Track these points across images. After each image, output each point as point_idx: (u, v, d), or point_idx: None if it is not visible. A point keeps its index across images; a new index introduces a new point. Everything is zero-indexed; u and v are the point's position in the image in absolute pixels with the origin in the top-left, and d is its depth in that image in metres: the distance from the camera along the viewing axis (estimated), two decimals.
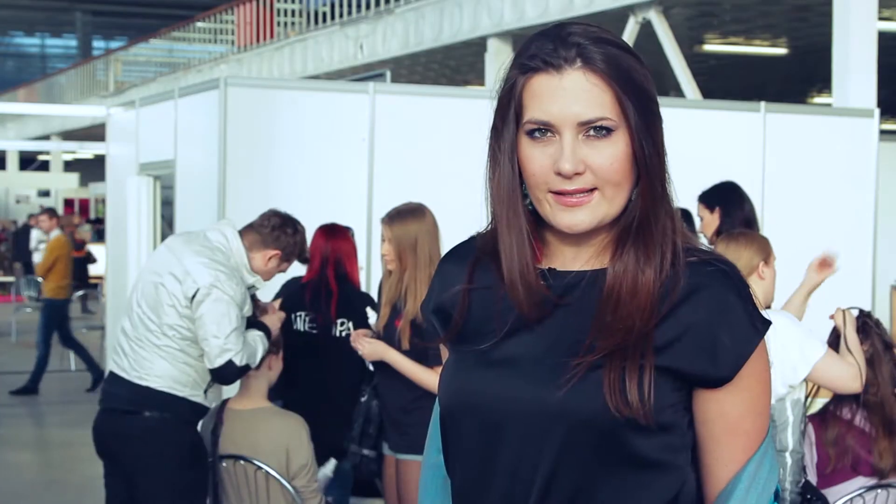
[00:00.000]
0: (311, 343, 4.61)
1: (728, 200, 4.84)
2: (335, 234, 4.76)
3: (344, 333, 4.62)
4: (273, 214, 4.33)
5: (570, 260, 1.55)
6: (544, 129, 1.47)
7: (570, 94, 1.46)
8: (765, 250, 3.84)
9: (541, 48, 1.48)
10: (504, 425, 1.49)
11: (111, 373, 4.22)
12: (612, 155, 1.46)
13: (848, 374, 3.77)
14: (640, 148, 1.47)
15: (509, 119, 1.51)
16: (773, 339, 3.67)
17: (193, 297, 4.01)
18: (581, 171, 1.46)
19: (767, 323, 1.50)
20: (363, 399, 4.34)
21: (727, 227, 4.65)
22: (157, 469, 4.06)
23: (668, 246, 1.49)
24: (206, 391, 4.15)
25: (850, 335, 3.86)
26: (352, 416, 4.42)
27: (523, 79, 1.49)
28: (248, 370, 4.11)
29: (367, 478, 4.48)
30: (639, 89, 1.48)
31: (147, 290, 4.12)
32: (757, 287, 3.79)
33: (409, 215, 4.08)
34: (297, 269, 4.90)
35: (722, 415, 1.49)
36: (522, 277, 1.52)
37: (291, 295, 4.75)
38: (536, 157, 1.48)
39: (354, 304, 4.68)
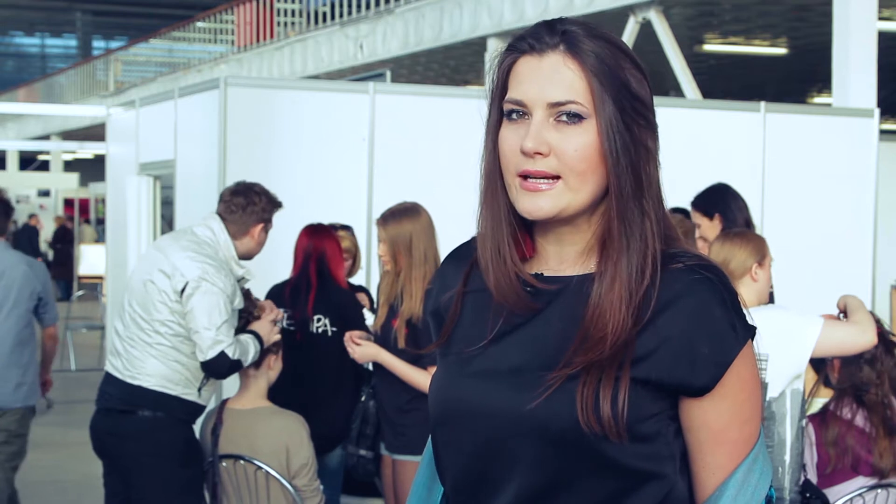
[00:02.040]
0: (290, 340, 4.61)
1: (726, 205, 4.81)
2: (319, 233, 4.75)
3: (320, 330, 4.62)
4: (231, 196, 4.31)
5: (556, 263, 1.54)
6: (520, 112, 1.48)
7: (546, 76, 1.47)
8: (760, 252, 3.81)
9: (531, 33, 1.50)
10: (485, 435, 1.49)
11: (106, 373, 4.24)
12: (578, 142, 1.45)
13: (854, 330, 3.69)
14: (609, 141, 1.45)
15: (494, 102, 1.53)
16: (765, 333, 3.62)
17: (183, 290, 4.02)
18: (544, 152, 1.45)
19: (751, 329, 1.47)
20: (362, 399, 4.35)
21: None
22: (151, 468, 4.06)
23: (648, 250, 1.47)
24: (199, 389, 4.15)
25: (853, 304, 3.82)
26: (335, 411, 4.42)
27: (509, 60, 1.51)
28: (240, 367, 4.10)
29: (365, 478, 4.48)
30: (620, 84, 1.47)
31: (137, 289, 4.14)
32: (750, 289, 3.76)
33: (403, 215, 4.08)
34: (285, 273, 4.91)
35: (706, 423, 1.47)
36: (496, 257, 1.52)
37: (274, 293, 4.75)
38: (508, 138, 1.49)
39: (334, 300, 4.65)
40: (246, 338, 4.14)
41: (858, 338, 3.70)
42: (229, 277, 4.11)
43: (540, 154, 1.45)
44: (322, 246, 4.71)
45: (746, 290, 3.75)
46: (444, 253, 4.05)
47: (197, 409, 4.20)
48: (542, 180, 1.46)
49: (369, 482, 4.66)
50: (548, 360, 1.46)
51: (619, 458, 1.43)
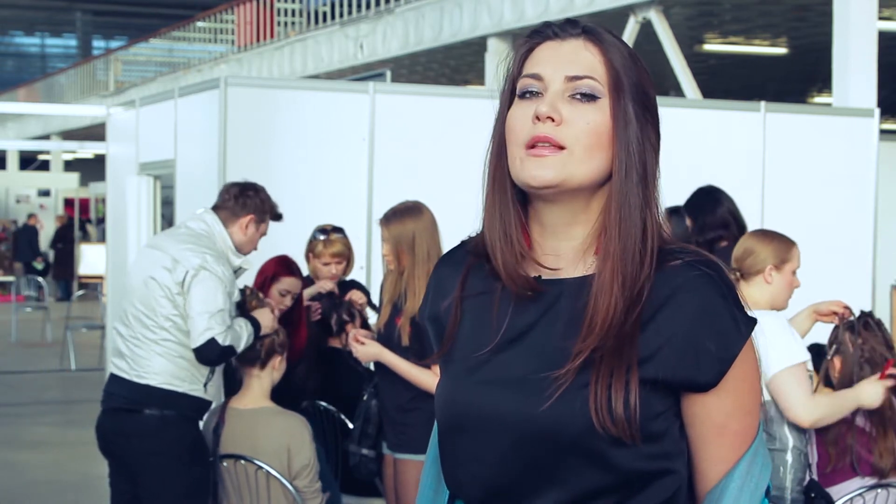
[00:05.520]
0: None
1: (698, 208, 4.80)
2: (273, 262, 4.74)
3: None
4: (230, 186, 4.39)
5: (552, 261, 1.53)
6: (534, 90, 1.50)
7: (566, 54, 1.50)
8: (779, 256, 3.78)
9: (554, 23, 1.54)
10: (500, 444, 1.48)
11: (111, 374, 4.25)
12: (591, 118, 1.48)
13: (801, 402, 3.61)
14: (621, 125, 1.48)
15: (507, 85, 1.55)
16: (759, 336, 3.61)
17: (184, 280, 4.05)
18: (556, 119, 1.47)
19: (752, 322, 1.48)
20: (364, 398, 4.35)
21: (696, 235, 4.65)
22: (159, 467, 4.07)
23: (645, 240, 1.48)
24: (205, 385, 4.16)
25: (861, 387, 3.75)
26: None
27: (529, 45, 1.54)
28: (233, 353, 4.11)
29: (366, 478, 4.47)
30: (635, 78, 1.50)
31: (137, 288, 4.15)
32: (762, 290, 3.75)
33: (405, 214, 4.08)
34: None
35: (709, 417, 1.48)
36: (504, 238, 1.52)
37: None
38: (520, 114, 1.50)
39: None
40: (239, 322, 4.15)
41: (798, 411, 3.61)
42: (227, 268, 4.15)
43: (551, 119, 1.47)
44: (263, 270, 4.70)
45: (758, 290, 3.74)
46: None
47: (204, 405, 4.20)
48: (546, 147, 1.47)
49: (370, 482, 4.65)
50: (554, 362, 1.46)
51: (632, 459, 1.44)
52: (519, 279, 1.51)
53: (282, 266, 4.75)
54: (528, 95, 1.50)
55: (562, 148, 1.47)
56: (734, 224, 4.93)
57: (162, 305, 4.09)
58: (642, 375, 1.44)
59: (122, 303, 4.28)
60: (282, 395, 4.44)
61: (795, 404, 3.63)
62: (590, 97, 1.48)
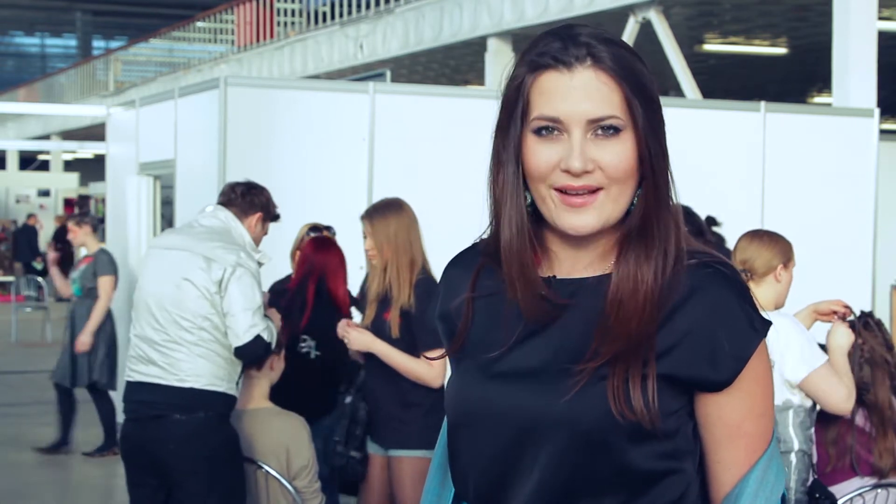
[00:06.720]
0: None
1: None
2: (323, 248, 4.74)
3: (304, 350, 4.63)
4: (235, 185, 4.36)
5: (570, 266, 1.54)
6: (552, 127, 1.46)
7: (581, 92, 1.46)
8: (786, 254, 3.82)
9: (550, 46, 1.48)
10: (511, 437, 1.49)
11: (137, 383, 4.08)
12: (620, 153, 1.46)
13: (842, 393, 3.70)
14: (646, 149, 1.47)
15: (516, 116, 1.49)
16: (774, 339, 3.62)
17: (222, 278, 4.00)
18: (590, 169, 1.45)
19: (767, 324, 1.49)
20: (347, 400, 4.29)
21: None
22: (206, 470, 3.99)
23: (670, 248, 1.48)
24: (237, 382, 4.13)
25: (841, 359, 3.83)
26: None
27: (532, 76, 1.49)
28: (270, 353, 4.11)
29: (354, 479, 4.43)
30: (645, 91, 1.48)
31: (169, 293, 4.04)
32: (771, 289, 3.78)
33: (386, 209, 4.11)
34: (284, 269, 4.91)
35: (721, 418, 1.48)
36: (522, 274, 1.51)
37: (274, 294, 4.72)
38: (543, 153, 1.47)
39: (324, 323, 4.56)
40: (270, 323, 4.14)
41: (842, 403, 3.71)
42: (256, 263, 4.12)
43: (587, 172, 1.45)
44: (324, 263, 4.69)
45: (767, 290, 3.77)
46: (435, 251, 4.06)
47: (234, 402, 4.14)
48: (583, 196, 1.46)
49: (359, 483, 4.63)
50: (571, 358, 1.47)
51: (646, 455, 1.45)
52: (538, 311, 1.50)
53: (332, 245, 4.77)
54: (544, 133, 1.47)
55: (598, 189, 1.46)
56: (708, 231, 4.98)
57: (199, 306, 4.01)
58: (658, 371, 1.45)
59: (142, 310, 4.12)
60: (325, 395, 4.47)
61: (839, 398, 3.70)
62: (613, 130, 1.46)
